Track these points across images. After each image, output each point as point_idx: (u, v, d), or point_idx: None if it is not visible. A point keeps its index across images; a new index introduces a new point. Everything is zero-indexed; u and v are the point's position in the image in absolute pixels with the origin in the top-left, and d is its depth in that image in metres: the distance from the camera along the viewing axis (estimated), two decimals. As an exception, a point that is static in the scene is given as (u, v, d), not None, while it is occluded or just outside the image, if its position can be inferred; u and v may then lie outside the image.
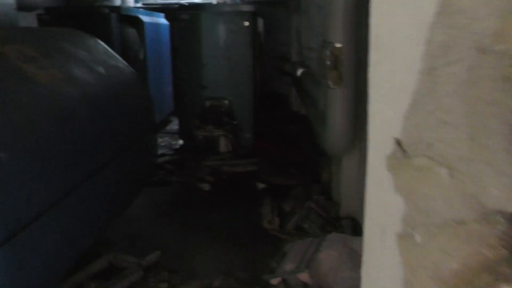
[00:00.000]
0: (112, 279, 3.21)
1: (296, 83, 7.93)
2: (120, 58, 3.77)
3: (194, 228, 4.18)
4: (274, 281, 3.28)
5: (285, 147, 6.77)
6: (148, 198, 4.85)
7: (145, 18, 7.31)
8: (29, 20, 6.36)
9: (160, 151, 6.50)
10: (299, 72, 7.19)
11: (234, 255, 3.68)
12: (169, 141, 7.70)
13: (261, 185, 5.28)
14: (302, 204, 4.44)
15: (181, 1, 8.64)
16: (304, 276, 3.25)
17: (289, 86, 9.97)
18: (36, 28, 3.85)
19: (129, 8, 7.20)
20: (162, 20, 8.54)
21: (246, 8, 6.27)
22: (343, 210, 4.08)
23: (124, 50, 6.55)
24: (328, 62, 3.23)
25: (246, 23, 6.22)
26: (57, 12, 6.43)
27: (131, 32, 7.03)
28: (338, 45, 3.18)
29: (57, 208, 2.16)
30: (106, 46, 3.76)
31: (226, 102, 6.48)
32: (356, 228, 3.86)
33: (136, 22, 7.20)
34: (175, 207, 4.73)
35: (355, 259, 3.33)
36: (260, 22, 7.05)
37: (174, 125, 8.85)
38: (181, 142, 7.18)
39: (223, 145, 6.27)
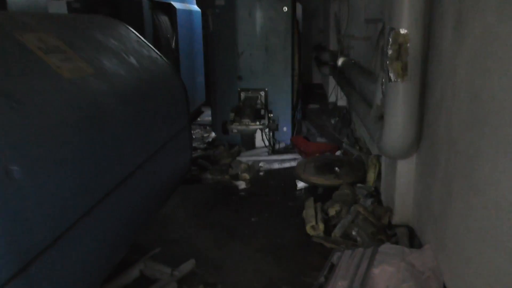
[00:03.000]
0: (143, 293, 2.93)
1: (335, 73, 7.46)
2: (153, 48, 3.44)
3: (231, 233, 3.85)
4: (325, 301, 2.91)
5: (324, 142, 6.35)
6: (181, 197, 4.56)
7: (177, 5, 7.00)
8: (59, 8, 6.13)
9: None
10: (340, 61, 6.72)
11: (277, 266, 3.33)
12: (201, 133, 7.40)
13: (301, 184, 4.90)
14: (348, 208, 4.04)
15: (215, -13, 8.24)
16: (359, 297, 2.87)
17: (325, 76, 9.50)
18: (62, 14, 3.55)
19: (161, -6, 6.88)
20: (194, 6, 8.21)
21: (286, -8, 5.83)
22: (396, 217, 3.65)
23: (156, 39, 6.25)
24: (391, 52, 2.79)
25: (285, 9, 5.78)
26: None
27: (163, 19, 6.72)
28: (403, 31, 2.73)
29: (83, 224, 1.85)
30: (138, 34, 3.43)
31: (263, 93, 6.09)
32: (412, 238, 3.44)
33: (168, 9, 6.88)
34: (210, 208, 4.41)
35: (415, 276, 2.93)
36: (299, 8, 6.59)
37: (206, 116, 8.56)
38: (214, 135, 6.86)
39: (259, 139, 5.91)
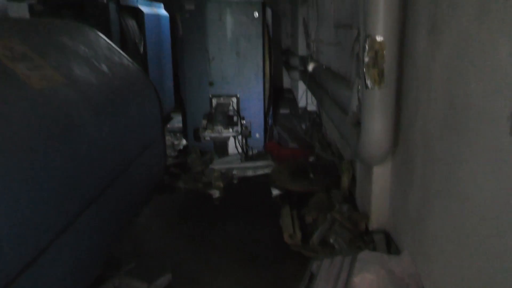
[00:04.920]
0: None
1: (305, 78, 7.49)
2: (124, 54, 3.32)
3: (208, 243, 3.76)
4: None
5: (297, 148, 6.35)
6: (154, 207, 4.43)
7: (145, 9, 6.84)
8: (20, 11, 5.86)
9: (163, 153, 6.05)
10: (311, 66, 6.76)
11: (256, 276, 3.27)
12: (172, 140, 7.25)
13: (275, 191, 4.86)
14: (324, 215, 4.03)
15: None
16: (341, 306, 2.85)
17: (295, 81, 9.54)
18: (28, 20, 3.38)
19: (128, -2, 6.71)
20: (162, 11, 8.06)
21: (257, -3, 5.81)
22: (373, 223, 3.66)
23: (123, 43, 6.08)
24: (367, 59, 2.79)
25: (256, 14, 5.75)
26: (50, 2, 5.92)
27: (130, 23, 6.55)
28: (379, 38, 2.74)
29: (56, 245, 1.73)
30: (108, 40, 3.30)
31: (235, 99, 6.03)
32: (389, 244, 3.46)
33: (135, 13, 6.72)
34: (185, 218, 4.30)
35: (395, 283, 2.94)
36: (269, 13, 6.58)
37: (175, 122, 8.40)
38: (185, 142, 6.73)
39: (232, 146, 5.83)
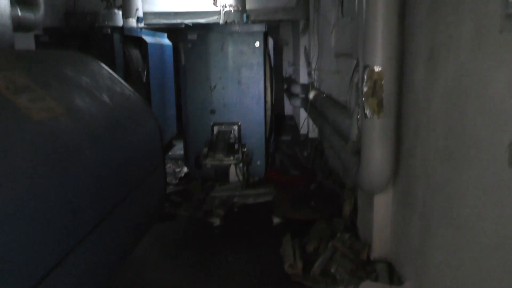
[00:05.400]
0: None
1: (307, 106, 7.55)
2: (125, 84, 3.36)
3: (208, 274, 3.71)
4: None
5: (298, 175, 6.33)
6: (155, 235, 4.38)
7: (148, 39, 6.97)
8: (26, 41, 5.98)
9: (164, 180, 6.04)
10: (312, 94, 6.81)
11: (256, 309, 3.21)
12: (173, 168, 7.25)
13: (276, 220, 4.82)
14: (326, 243, 3.98)
15: (185, 21, 8.30)
16: None
17: (296, 108, 9.61)
18: (31, 51, 3.44)
19: (132, 29, 6.85)
20: (165, 40, 8.21)
21: (258, 28, 5.91)
22: (375, 252, 3.62)
23: (127, 73, 6.17)
24: (366, 88, 2.82)
25: (258, 44, 5.85)
26: (56, 33, 6.06)
27: (134, 53, 6.67)
28: (377, 68, 2.78)
29: (56, 276, 1.71)
30: (110, 70, 3.35)
31: (236, 127, 6.06)
32: (392, 274, 3.40)
33: (139, 43, 6.84)
34: (184, 246, 4.26)
35: (398, 315, 2.88)
36: (270, 42, 6.69)
37: (177, 149, 8.43)
38: (186, 169, 6.73)
39: (233, 174, 5.83)
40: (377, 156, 2.89)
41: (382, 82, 2.80)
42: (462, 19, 2.16)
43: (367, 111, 2.84)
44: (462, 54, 2.18)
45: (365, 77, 2.82)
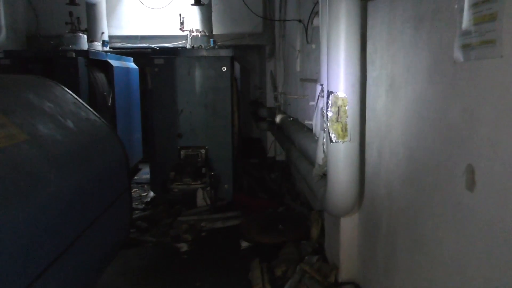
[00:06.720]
0: None
1: (274, 129, 7.63)
2: (90, 109, 3.31)
3: (175, 302, 3.63)
4: None
5: (266, 198, 6.34)
6: (120, 263, 4.26)
7: (114, 63, 6.91)
8: (-15, 64, 5.81)
9: (130, 205, 5.91)
10: (278, 118, 6.91)
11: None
12: (139, 192, 7.12)
13: (245, 243, 4.79)
14: (294, 267, 3.98)
15: (152, 45, 8.30)
16: None
17: (263, 131, 9.69)
18: (-7, 76, 3.35)
19: (97, 52, 6.78)
20: (131, 64, 8.16)
21: (225, 52, 5.99)
22: (343, 275, 3.65)
23: (92, 96, 6.08)
24: (331, 114, 2.90)
25: (225, 68, 5.91)
26: (18, 56, 5.92)
27: (99, 76, 6.59)
28: (341, 95, 2.86)
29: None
30: (74, 95, 3.30)
31: (203, 151, 6.04)
32: (360, 296, 3.44)
33: (104, 67, 6.77)
34: (152, 274, 4.16)
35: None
36: (237, 66, 6.77)
37: (144, 173, 8.30)
38: (152, 194, 6.62)
39: (201, 198, 5.78)
40: (342, 179, 2.95)
41: (346, 108, 2.88)
42: (419, 49, 2.28)
43: (332, 136, 2.91)
44: (419, 83, 2.28)
45: (330, 102, 2.90)
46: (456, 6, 1.83)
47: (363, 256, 3.44)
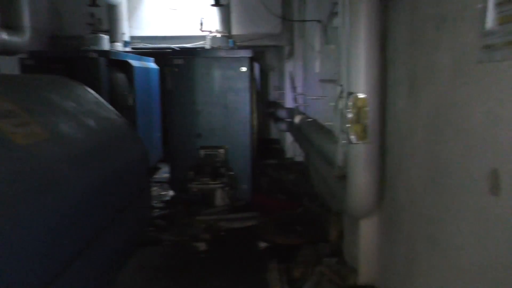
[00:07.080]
0: None
1: (292, 130, 7.61)
2: (111, 108, 3.36)
3: (193, 301, 3.64)
4: None
5: (284, 199, 6.33)
6: (138, 261, 4.30)
7: (134, 63, 6.99)
8: (11, 65, 5.95)
9: (149, 204, 5.97)
10: (297, 119, 6.88)
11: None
12: (159, 191, 7.18)
13: (263, 244, 4.79)
14: (312, 269, 3.96)
15: (172, 46, 8.38)
16: None
17: (282, 132, 9.67)
18: (16, 76, 3.43)
19: (118, 53, 6.87)
20: (151, 64, 8.24)
21: (244, 53, 6.00)
22: (361, 278, 3.60)
23: (113, 96, 6.16)
24: (351, 115, 2.87)
25: (244, 69, 5.92)
26: (41, 56, 6.04)
27: (120, 77, 6.67)
28: (361, 95, 2.83)
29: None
30: (96, 94, 3.35)
31: (222, 151, 6.06)
32: (378, 300, 3.39)
33: (125, 67, 6.85)
34: (169, 273, 4.19)
35: None
36: (256, 67, 6.77)
37: (163, 173, 8.37)
38: (171, 193, 6.68)
39: (220, 198, 5.80)
40: (362, 181, 2.92)
41: (367, 109, 2.85)
42: (441, 49, 2.23)
43: (352, 137, 2.88)
44: (441, 84, 2.24)
45: (350, 103, 2.87)
46: (479, 6, 1.78)
47: (383, 259, 3.39)
